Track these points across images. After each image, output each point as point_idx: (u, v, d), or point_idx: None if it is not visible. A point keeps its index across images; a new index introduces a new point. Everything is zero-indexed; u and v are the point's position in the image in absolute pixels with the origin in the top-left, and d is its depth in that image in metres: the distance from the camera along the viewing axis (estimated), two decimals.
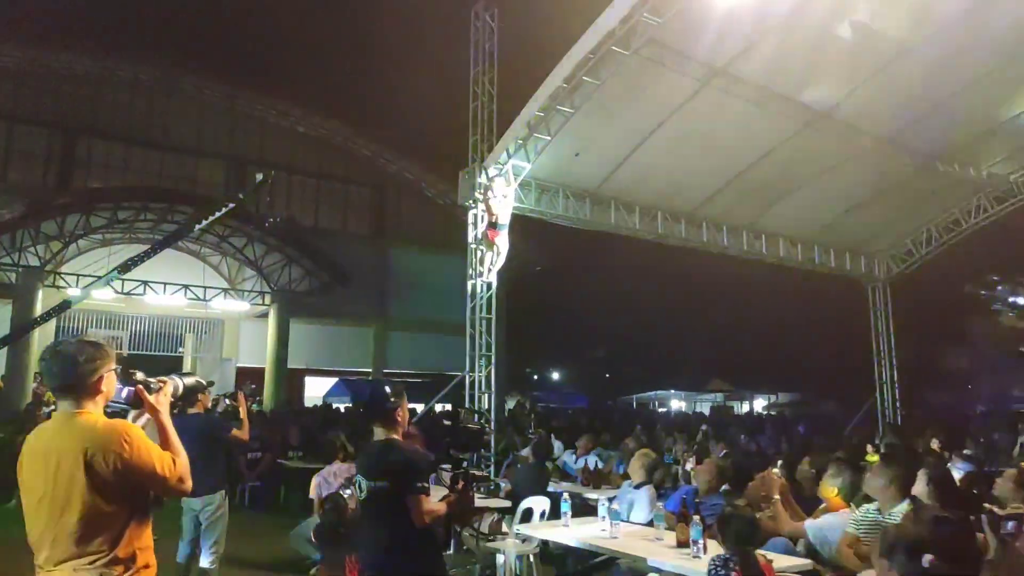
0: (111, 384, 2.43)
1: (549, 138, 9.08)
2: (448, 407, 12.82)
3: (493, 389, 9.47)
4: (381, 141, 28.77)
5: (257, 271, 23.59)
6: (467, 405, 5.71)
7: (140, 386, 2.49)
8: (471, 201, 9.88)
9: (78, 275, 20.92)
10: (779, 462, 4.84)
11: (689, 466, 5.86)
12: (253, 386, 7.76)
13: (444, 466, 3.84)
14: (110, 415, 2.43)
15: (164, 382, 2.60)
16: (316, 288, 23.84)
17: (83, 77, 23.47)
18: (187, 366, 26.40)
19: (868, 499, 4.10)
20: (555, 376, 59.24)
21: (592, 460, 8.43)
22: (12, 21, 20.97)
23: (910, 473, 3.96)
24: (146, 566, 2.37)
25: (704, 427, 10.25)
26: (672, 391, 45.82)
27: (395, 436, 3.43)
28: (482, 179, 9.63)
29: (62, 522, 2.23)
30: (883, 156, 10.89)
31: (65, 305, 15.72)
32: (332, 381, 26.76)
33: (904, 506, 3.68)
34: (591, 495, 6.84)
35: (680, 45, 8.40)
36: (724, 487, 5.14)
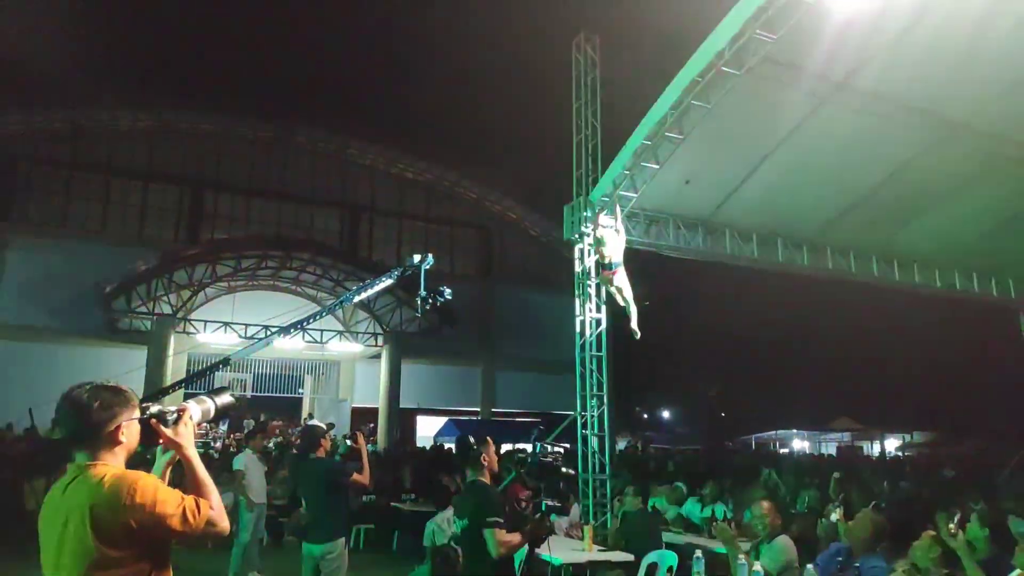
0: (133, 434, 2.17)
1: (657, 167, 8.72)
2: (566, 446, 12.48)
3: (607, 430, 9.03)
4: (485, 183, 29.24)
5: (370, 313, 24.20)
6: (545, 445, 5.36)
7: (154, 420, 2.19)
8: (577, 235, 9.61)
9: (206, 321, 22.17)
10: (956, 515, 4.12)
11: (835, 517, 5.20)
12: (372, 425, 7.68)
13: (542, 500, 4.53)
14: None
15: (183, 409, 2.26)
16: (426, 329, 24.18)
17: (207, 136, 25.24)
18: (306, 407, 27.38)
19: None
20: (666, 415, 57.25)
21: (720, 509, 7.79)
22: (144, 89, 22.86)
23: None
24: None
25: (836, 474, 9.29)
26: (794, 431, 43.18)
27: (481, 478, 3.97)
28: (587, 213, 9.35)
29: None
30: None
31: (226, 361, 16.50)
32: (443, 420, 26.94)
33: None
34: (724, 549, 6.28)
35: (796, 61, 7.88)
36: (881, 545, 4.50)
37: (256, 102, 25.06)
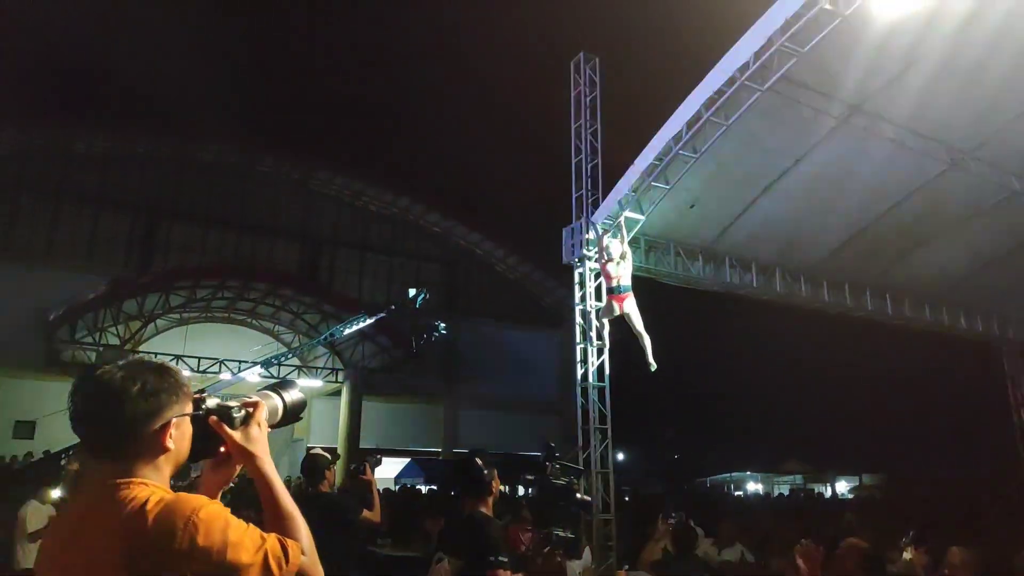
0: (184, 436, 1.51)
1: (667, 187, 8.34)
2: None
3: (611, 466, 8.44)
4: (452, 216, 28.74)
5: (330, 348, 23.23)
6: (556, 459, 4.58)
7: (213, 416, 1.56)
8: (576, 260, 9.12)
9: (156, 353, 20.90)
10: None
11: (907, 556, 4.72)
12: (379, 456, 6.57)
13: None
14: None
15: (254, 405, 1.62)
16: (389, 365, 23.33)
17: (164, 161, 24.17)
18: None
19: None
20: (620, 457, 56.59)
21: (739, 551, 7.22)
22: (100, 110, 21.78)
23: None
24: None
25: (848, 515, 8.90)
26: (748, 473, 43.18)
27: (483, 510, 3.29)
28: (590, 235, 8.89)
29: None
30: None
31: (200, 393, 15.16)
32: (402, 462, 25.88)
33: None
34: None
35: (814, 81, 7.65)
36: None
37: (217, 128, 24.14)
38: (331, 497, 4.74)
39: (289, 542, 1.44)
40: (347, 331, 13.16)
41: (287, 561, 1.41)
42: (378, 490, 5.17)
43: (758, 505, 15.05)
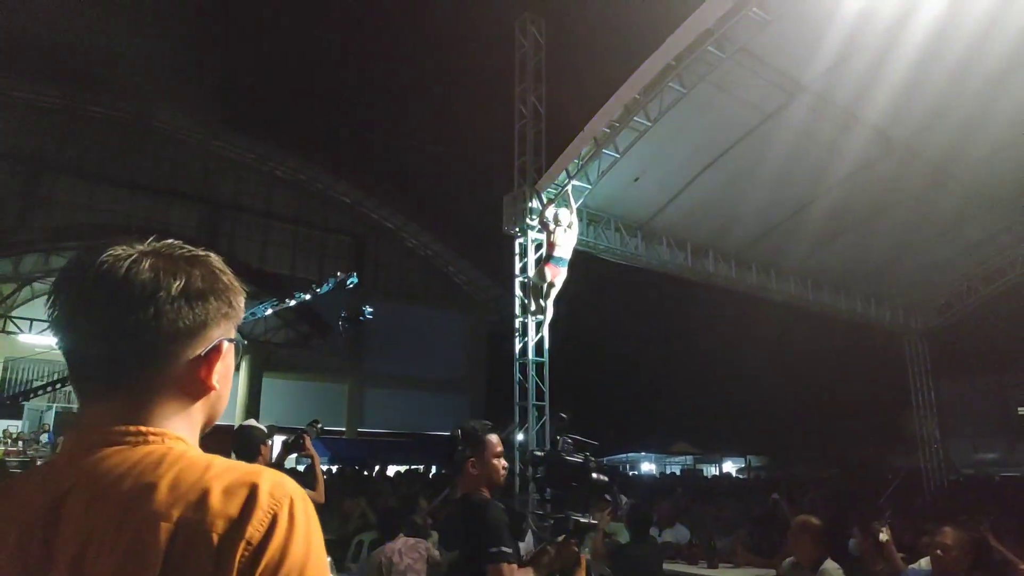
0: (229, 376, 0.98)
1: (617, 155, 8.05)
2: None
3: (548, 445, 8.12)
4: (362, 188, 27.65)
5: None
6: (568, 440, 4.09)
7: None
8: (518, 229, 8.73)
9: (32, 320, 18.99)
10: None
11: (883, 538, 4.62)
12: (320, 424, 5.56)
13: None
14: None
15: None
16: (293, 339, 22.26)
17: (51, 110, 21.87)
18: None
19: None
20: (520, 438, 57.13)
21: (683, 532, 7.06)
22: None
23: None
24: None
25: (775, 495, 8.93)
26: (643, 454, 44.43)
27: (479, 492, 2.77)
28: (534, 204, 8.50)
29: None
30: (945, 193, 10.09)
31: None
32: None
33: None
34: None
35: (771, 56, 7.52)
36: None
37: (110, 77, 22.06)
38: None
39: None
40: (270, 311, 12.30)
41: None
42: (320, 467, 4.60)
43: (670, 485, 15.24)
